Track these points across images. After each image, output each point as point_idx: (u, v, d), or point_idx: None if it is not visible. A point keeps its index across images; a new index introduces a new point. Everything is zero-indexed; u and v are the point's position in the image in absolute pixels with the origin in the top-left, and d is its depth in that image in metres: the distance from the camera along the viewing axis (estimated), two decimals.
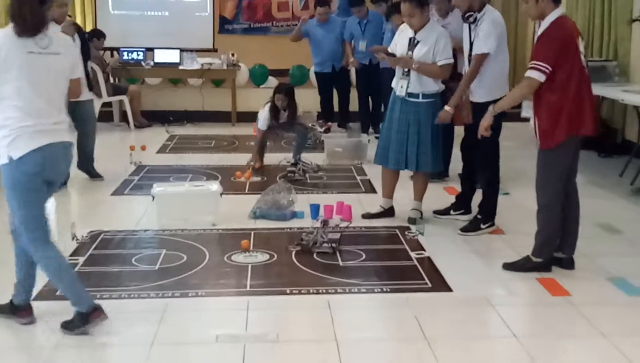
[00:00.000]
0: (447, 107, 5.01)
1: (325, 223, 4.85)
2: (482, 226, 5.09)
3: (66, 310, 3.75)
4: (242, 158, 7.41)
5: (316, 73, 9.43)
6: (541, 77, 4.04)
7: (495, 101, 4.88)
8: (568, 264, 4.42)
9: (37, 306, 3.84)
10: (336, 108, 9.33)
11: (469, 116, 5.04)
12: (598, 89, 7.18)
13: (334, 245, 4.70)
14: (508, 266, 4.43)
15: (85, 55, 5.98)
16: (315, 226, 4.85)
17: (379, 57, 5.39)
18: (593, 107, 4.28)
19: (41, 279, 4.13)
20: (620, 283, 4.22)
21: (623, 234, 5.19)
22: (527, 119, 4.46)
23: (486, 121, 4.44)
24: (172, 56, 10.11)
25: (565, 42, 4.07)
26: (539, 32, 4.18)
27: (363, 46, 8.59)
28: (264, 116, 7.06)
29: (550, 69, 4.02)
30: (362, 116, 9.00)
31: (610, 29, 8.11)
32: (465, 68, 5.05)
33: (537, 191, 4.35)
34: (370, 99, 8.92)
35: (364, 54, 8.57)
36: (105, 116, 9.65)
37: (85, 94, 5.98)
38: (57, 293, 3.97)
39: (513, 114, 7.47)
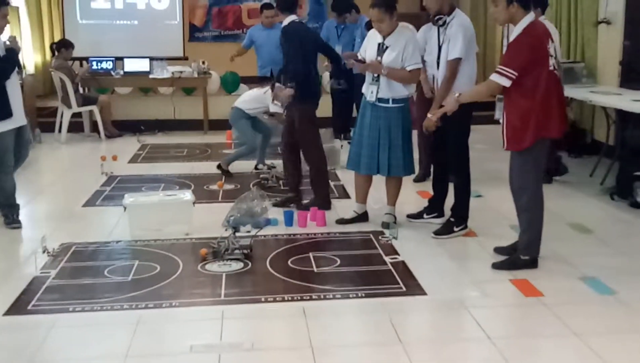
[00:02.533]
0: (429, 115, 4.98)
1: (235, 229, 4.82)
2: (455, 229, 5.12)
3: (39, 324, 3.71)
4: (215, 167, 7.38)
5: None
6: (504, 82, 4.17)
7: (464, 105, 4.94)
8: None
9: (9, 321, 3.80)
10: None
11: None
12: (567, 91, 7.27)
13: (245, 251, 4.71)
14: (498, 266, 4.51)
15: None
16: (224, 235, 4.84)
17: (348, 63, 5.41)
18: (563, 109, 4.38)
19: (12, 294, 4.09)
20: (592, 282, 4.26)
21: (594, 233, 5.24)
22: (499, 122, 4.53)
23: (448, 107, 4.58)
24: (142, 65, 10.04)
25: (535, 48, 4.16)
26: (512, 37, 4.25)
27: (338, 51, 8.69)
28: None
29: (515, 74, 4.13)
30: (334, 122, 9.03)
31: (577, 31, 8.22)
32: (434, 71, 5.06)
33: (516, 194, 4.43)
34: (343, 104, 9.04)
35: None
36: (76, 126, 9.56)
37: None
38: (28, 307, 3.93)
39: (485, 117, 7.56)
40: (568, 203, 6.05)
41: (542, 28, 4.30)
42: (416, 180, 6.63)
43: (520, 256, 4.49)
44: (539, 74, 4.16)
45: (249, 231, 4.93)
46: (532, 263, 4.47)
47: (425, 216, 5.47)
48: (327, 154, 7.44)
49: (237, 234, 4.80)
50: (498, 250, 4.73)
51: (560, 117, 4.29)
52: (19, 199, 5.61)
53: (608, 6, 7.78)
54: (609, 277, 4.32)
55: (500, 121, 4.45)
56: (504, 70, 4.17)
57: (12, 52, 5.38)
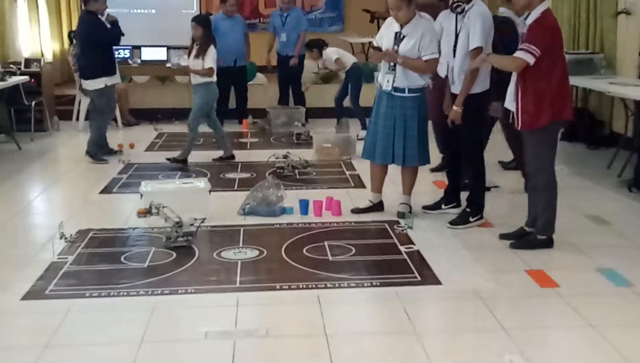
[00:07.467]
0: (455, 107, 4.96)
1: (179, 224, 4.77)
2: (471, 219, 5.10)
3: (56, 309, 3.75)
4: (224, 158, 7.43)
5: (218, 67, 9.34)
6: (529, 58, 4.30)
7: (477, 95, 4.93)
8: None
9: (26, 305, 3.84)
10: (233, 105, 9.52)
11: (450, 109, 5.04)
12: (585, 82, 7.26)
13: (189, 238, 4.72)
14: (516, 245, 4.64)
15: None
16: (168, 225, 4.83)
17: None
18: (571, 94, 4.71)
19: (30, 279, 4.13)
20: (609, 274, 4.24)
21: (611, 225, 5.21)
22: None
23: (477, 62, 4.68)
24: (159, 54, 10.07)
25: (555, 31, 4.40)
26: (529, 21, 4.39)
27: (284, 37, 9.32)
28: None
29: (539, 53, 4.28)
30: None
31: (596, 21, 8.13)
32: (450, 59, 5.02)
33: (536, 176, 4.58)
34: (290, 89, 9.49)
35: (284, 44, 9.34)
36: None
37: None
38: (46, 292, 3.97)
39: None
40: (585, 194, 6.01)
41: (554, 16, 4.54)
42: (434, 169, 6.54)
43: (537, 236, 4.62)
44: (556, 57, 4.35)
45: (192, 224, 4.90)
46: (549, 242, 4.62)
47: (443, 206, 5.44)
48: (343, 144, 7.51)
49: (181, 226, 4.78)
50: (504, 236, 4.80)
51: (571, 102, 4.56)
52: (36, 186, 5.66)
53: None
54: (625, 269, 4.29)
55: (512, 105, 4.53)
56: (529, 47, 4.29)
57: (117, 23, 7.33)
